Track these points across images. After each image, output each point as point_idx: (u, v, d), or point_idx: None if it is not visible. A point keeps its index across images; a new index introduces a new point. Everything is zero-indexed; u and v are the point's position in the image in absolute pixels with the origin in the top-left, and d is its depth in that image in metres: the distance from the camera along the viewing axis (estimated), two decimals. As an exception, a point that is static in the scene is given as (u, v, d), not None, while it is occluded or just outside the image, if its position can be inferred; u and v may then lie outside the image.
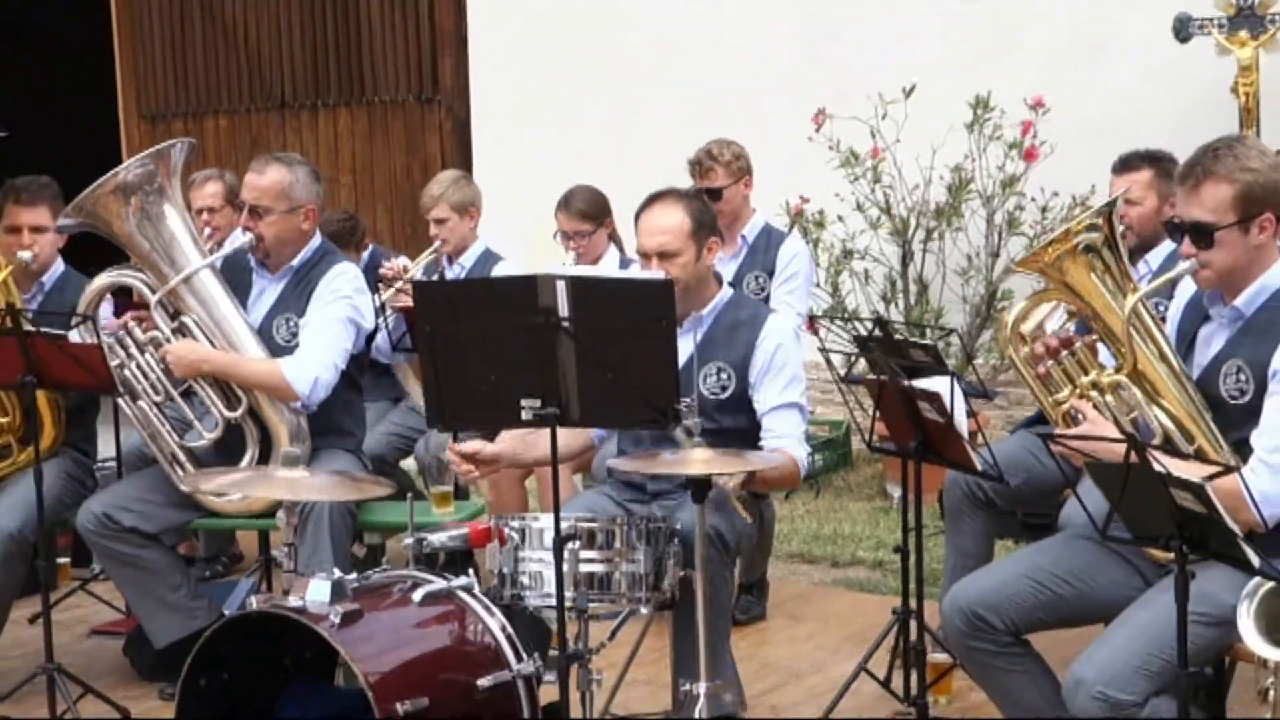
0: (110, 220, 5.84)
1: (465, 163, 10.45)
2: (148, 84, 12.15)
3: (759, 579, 6.90)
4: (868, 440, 5.08)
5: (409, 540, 4.87)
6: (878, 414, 4.72)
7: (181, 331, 5.81)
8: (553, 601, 4.54)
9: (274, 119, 11.61)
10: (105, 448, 6.54)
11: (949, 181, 9.29)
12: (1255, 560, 3.61)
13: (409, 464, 7.32)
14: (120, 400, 5.96)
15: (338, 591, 4.40)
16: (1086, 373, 4.55)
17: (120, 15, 12.12)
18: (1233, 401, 4.27)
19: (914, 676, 5.04)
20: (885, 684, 5.73)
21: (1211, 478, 3.67)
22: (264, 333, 5.90)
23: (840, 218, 9.43)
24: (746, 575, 6.67)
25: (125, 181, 5.81)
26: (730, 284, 5.96)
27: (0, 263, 6.06)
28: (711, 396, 5.13)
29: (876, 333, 5.59)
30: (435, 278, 7.40)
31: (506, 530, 4.74)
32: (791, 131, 9.04)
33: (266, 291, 6.03)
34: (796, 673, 6.23)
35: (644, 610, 4.86)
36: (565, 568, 4.52)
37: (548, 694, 4.62)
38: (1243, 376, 4.24)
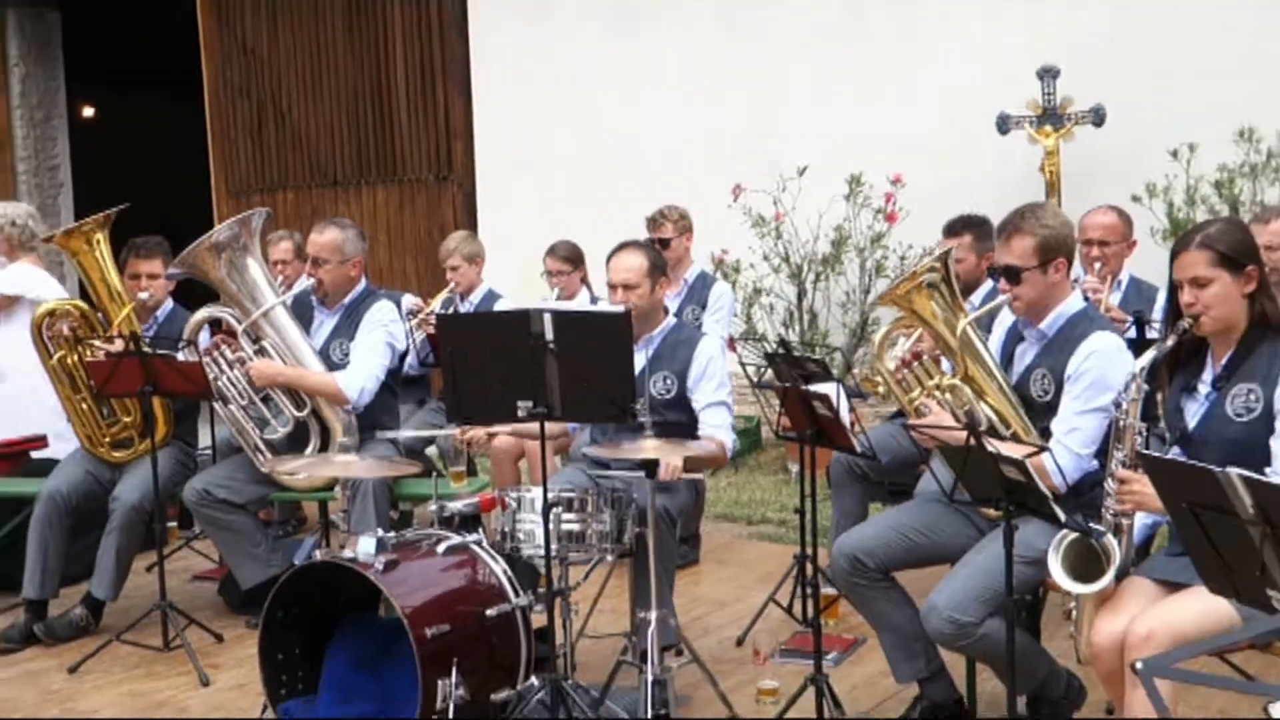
0: (207, 269, 5.82)
1: (471, 225, 10.45)
2: (233, 168, 12.11)
3: (693, 534, 6.91)
4: (775, 430, 5.09)
5: (433, 507, 4.87)
6: (782, 410, 4.74)
7: (261, 352, 5.80)
8: (541, 552, 4.57)
9: (328, 194, 11.58)
10: (204, 439, 6.52)
11: (832, 238, 9.30)
12: (1061, 515, 3.65)
13: (432, 451, 7.31)
14: (215, 404, 5.95)
15: (380, 546, 4.40)
16: (932, 378, 4.58)
17: (212, 116, 12.09)
18: (1040, 400, 4.30)
19: (809, 605, 5.05)
20: (788, 610, 5.80)
21: (1029, 455, 3.71)
22: (323, 353, 5.89)
23: (751, 265, 9.43)
24: (684, 531, 6.67)
25: (217, 241, 5.79)
26: (675, 315, 6.00)
27: (125, 301, 6.08)
28: (660, 397, 5.13)
29: (780, 351, 5.65)
30: (451, 311, 7.41)
31: (506, 499, 4.74)
32: (716, 201, 9.04)
33: (325, 323, 6.02)
34: (722, 603, 6.23)
35: (609, 558, 4.88)
36: (550, 527, 4.53)
37: (538, 620, 4.62)
38: (1047, 381, 4.28)
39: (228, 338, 5.88)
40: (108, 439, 6.14)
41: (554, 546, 4.56)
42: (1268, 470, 3.62)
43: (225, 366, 5.81)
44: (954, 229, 6.20)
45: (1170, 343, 3.80)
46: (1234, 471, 2.78)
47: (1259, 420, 3.69)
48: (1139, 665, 1.63)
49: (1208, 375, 3.85)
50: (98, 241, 6.16)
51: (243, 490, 5.86)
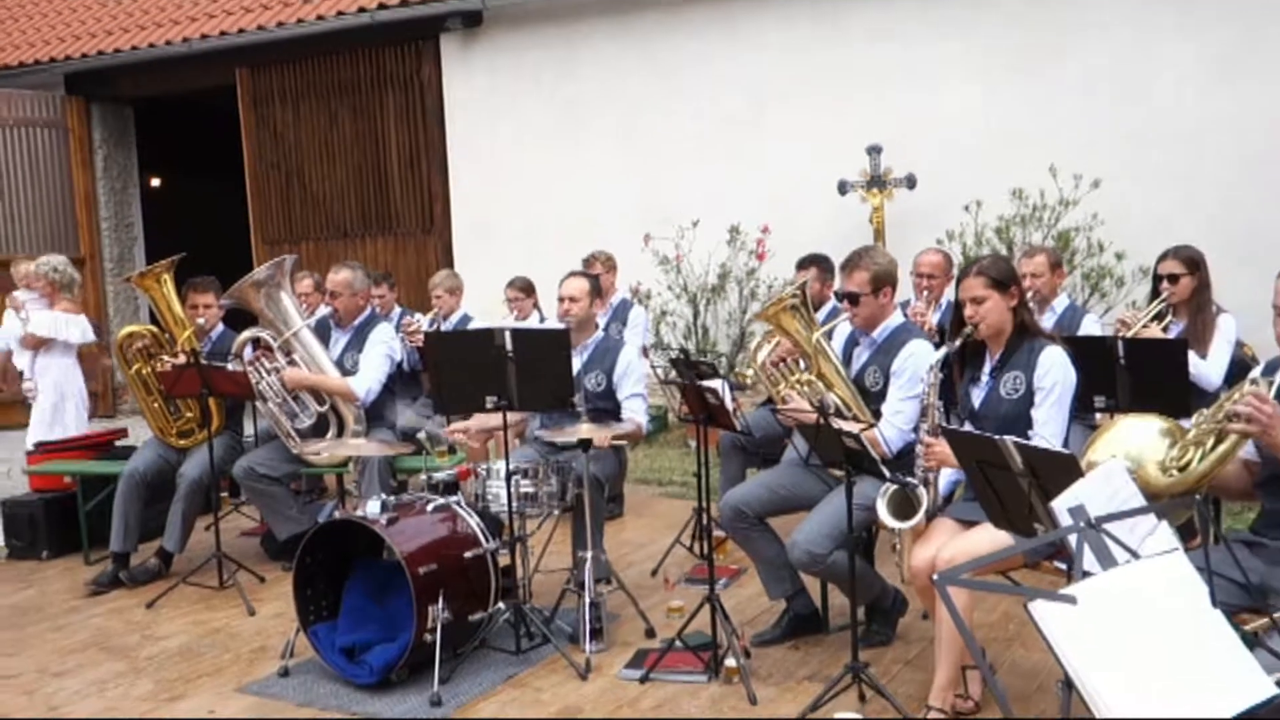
0: (250, 300, 5.77)
1: (449, 265, 10.37)
2: (266, 223, 11.97)
3: (619, 494, 6.91)
4: (678, 415, 5.12)
5: (424, 477, 4.86)
6: (682, 400, 4.77)
7: (292, 363, 5.76)
8: (505, 508, 4.58)
9: (340, 243, 11.47)
10: (248, 429, 6.45)
11: (718, 273, 9.34)
12: (886, 473, 3.72)
13: (423, 435, 7.26)
14: (257, 402, 5.89)
15: (384, 507, 4.39)
16: (793, 374, 4.64)
17: (251, 184, 11.95)
18: (873, 389, 4.36)
19: (705, 544, 5.07)
20: (689, 548, 5.83)
21: (863, 430, 3.78)
22: (339, 363, 5.84)
23: (659, 293, 9.46)
24: (611, 492, 6.69)
25: (257, 279, 5.75)
26: (603, 331, 6.00)
27: (186, 325, 6.02)
28: (593, 391, 5.15)
29: (681, 357, 5.68)
30: (435, 329, 7.38)
31: (478, 470, 4.74)
32: (632, 247, 9.08)
33: (340, 340, 5.96)
34: (641, 545, 6.24)
35: (556, 513, 4.90)
36: (511, 490, 4.56)
37: (504, 560, 4.64)
38: (877, 375, 4.34)
39: (266, 352, 5.83)
40: (174, 430, 6.06)
41: (514, 505, 4.58)
42: (1031, 434, 3.72)
43: (264, 374, 5.75)
44: (804, 263, 6.26)
45: (957, 344, 3.89)
46: (1009, 439, 2.86)
47: (1023, 398, 3.79)
48: (935, 577, 1.68)
49: (987, 367, 3.94)
50: (164, 280, 6.11)
51: (278, 467, 5.81)
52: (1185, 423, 3.27)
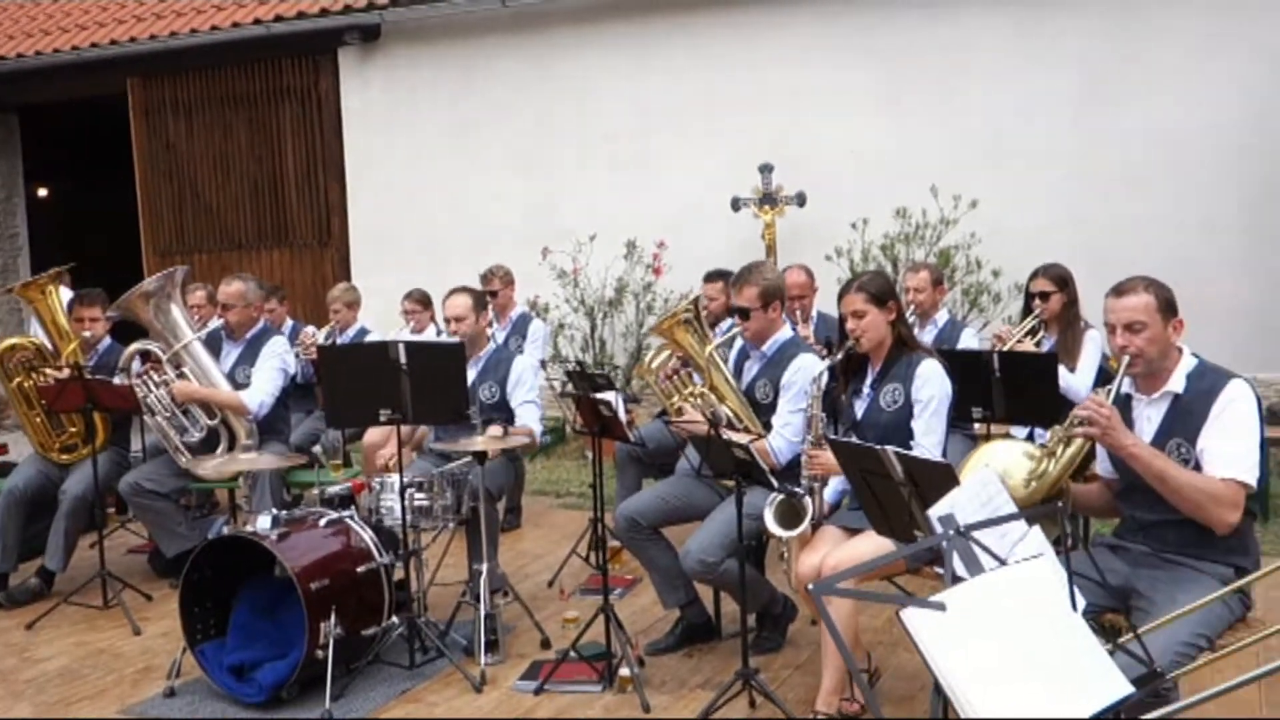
0: (138, 313, 5.57)
1: (346, 278, 10.18)
2: (159, 234, 11.60)
3: (516, 505, 6.85)
4: (574, 427, 5.10)
5: (316, 491, 4.75)
6: (578, 412, 4.76)
7: (181, 376, 5.58)
8: (399, 522, 4.51)
9: (234, 255, 11.18)
10: (136, 444, 6.24)
11: (615, 287, 9.34)
12: (774, 483, 3.76)
13: (317, 448, 7.12)
14: (145, 416, 5.70)
15: (275, 522, 4.29)
16: (686, 387, 4.66)
17: (142, 195, 11.58)
18: (763, 402, 4.39)
19: (600, 555, 5.06)
20: (585, 559, 5.81)
21: (752, 441, 3.80)
22: (231, 376, 5.68)
23: (557, 307, 9.42)
24: (509, 503, 6.65)
25: (146, 290, 5.55)
26: (503, 345, 5.96)
27: (72, 338, 5.81)
28: (487, 402, 5.09)
29: (577, 369, 5.67)
30: (331, 342, 7.25)
31: (372, 484, 4.66)
32: (530, 261, 9.05)
33: (232, 353, 5.80)
34: (538, 555, 6.19)
35: (451, 525, 4.83)
36: (405, 503, 4.49)
37: (399, 574, 4.56)
38: (768, 388, 4.37)
39: (155, 365, 5.63)
40: (57, 445, 5.83)
41: (409, 518, 4.50)
42: (912, 445, 3.79)
43: (153, 387, 5.55)
44: (711, 277, 6.31)
45: (840, 356, 3.95)
46: (890, 448, 2.91)
47: (902, 409, 3.85)
48: (810, 587, 1.69)
49: (868, 380, 4.00)
50: (49, 292, 5.90)
51: (166, 482, 5.62)
52: (1045, 436, 3.39)
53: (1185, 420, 3.10)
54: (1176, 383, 3.14)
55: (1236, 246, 7.90)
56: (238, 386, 5.64)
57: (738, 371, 4.58)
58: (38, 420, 5.81)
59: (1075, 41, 8.24)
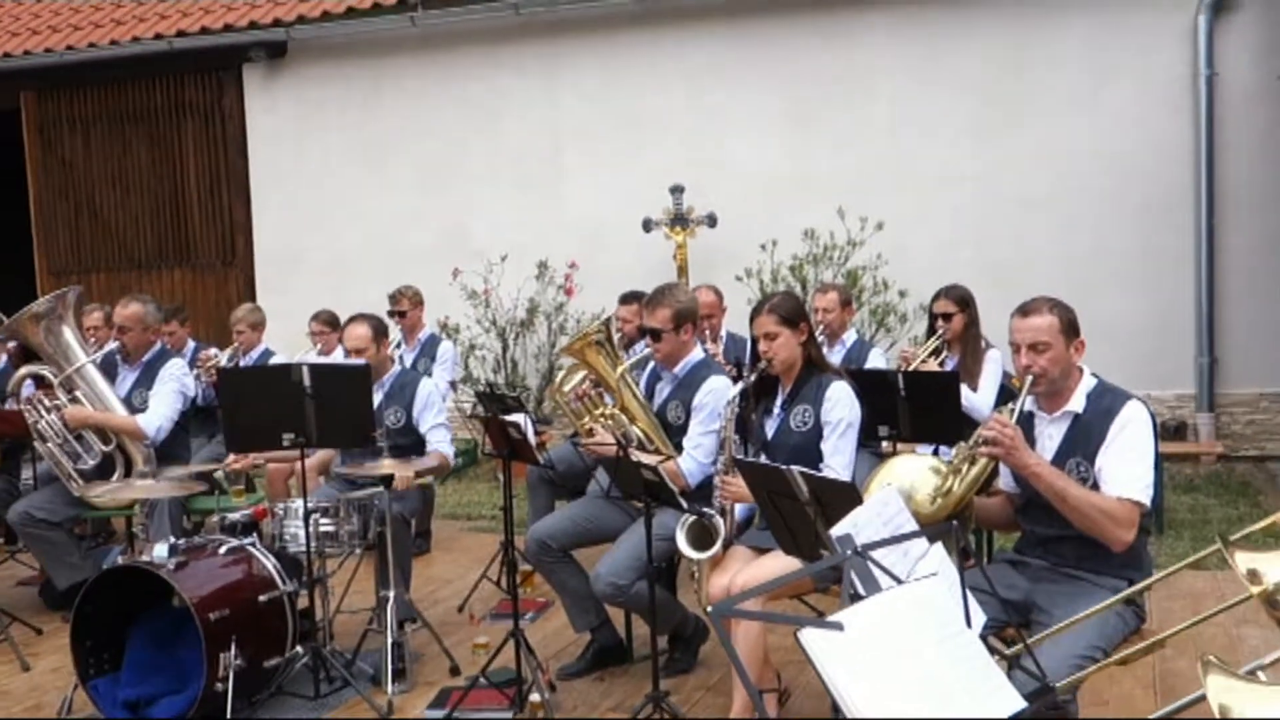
0: (28, 335, 5.42)
1: (252, 299, 9.98)
2: (54, 252, 11.26)
3: (426, 529, 6.75)
4: (483, 450, 5.05)
5: (217, 518, 4.63)
6: (487, 434, 4.71)
7: (74, 400, 5.41)
8: (304, 549, 4.41)
9: (134, 275, 10.88)
10: (27, 471, 6.02)
11: (527, 306, 9.32)
12: (684, 505, 3.76)
13: (219, 473, 6.94)
14: (36, 443, 5.50)
15: (172, 550, 4.16)
16: (597, 408, 4.65)
17: (36, 213, 11.23)
18: (675, 424, 4.38)
19: (511, 578, 5.01)
20: (496, 583, 5.74)
21: (661, 462, 3.81)
22: (127, 401, 5.52)
23: (468, 327, 9.35)
24: (419, 527, 6.54)
25: (37, 312, 5.41)
26: (411, 367, 5.86)
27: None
28: (393, 427, 5.01)
29: (487, 391, 5.62)
30: (234, 364, 7.10)
31: (277, 509, 4.55)
32: (440, 281, 8.99)
33: (128, 376, 5.63)
34: (448, 580, 6.10)
35: (358, 551, 4.74)
36: (310, 529, 4.39)
37: (302, 603, 4.45)
38: (679, 409, 4.37)
39: (46, 390, 5.45)
40: (-59, 474, 5.59)
41: (313, 544, 4.40)
42: (822, 466, 3.83)
43: (44, 412, 5.38)
44: (626, 299, 6.30)
45: (753, 378, 3.98)
46: (795, 469, 2.93)
47: (812, 430, 3.89)
48: (709, 609, 1.69)
49: (779, 400, 4.03)
50: (-67, 314, 5.66)
51: (58, 511, 5.42)
52: (950, 453, 3.44)
53: (1085, 439, 3.17)
54: (1077, 402, 3.21)
55: (1128, 267, 8.19)
56: (134, 411, 5.48)
57: (650, 393, 4.57)
58: (-80, 448, 5.58)
59: (975, 67, 8.48)
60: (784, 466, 2.94)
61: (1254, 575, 2.16)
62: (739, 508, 4.03)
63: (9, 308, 5.85)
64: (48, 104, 11.13)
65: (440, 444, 5.06)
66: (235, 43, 10.14)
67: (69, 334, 5.47)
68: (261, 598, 4.22)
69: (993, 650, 1.94)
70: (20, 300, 6.33)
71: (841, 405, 3.87)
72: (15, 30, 11.19)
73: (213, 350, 7.26)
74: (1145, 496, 3.07)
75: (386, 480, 4.48)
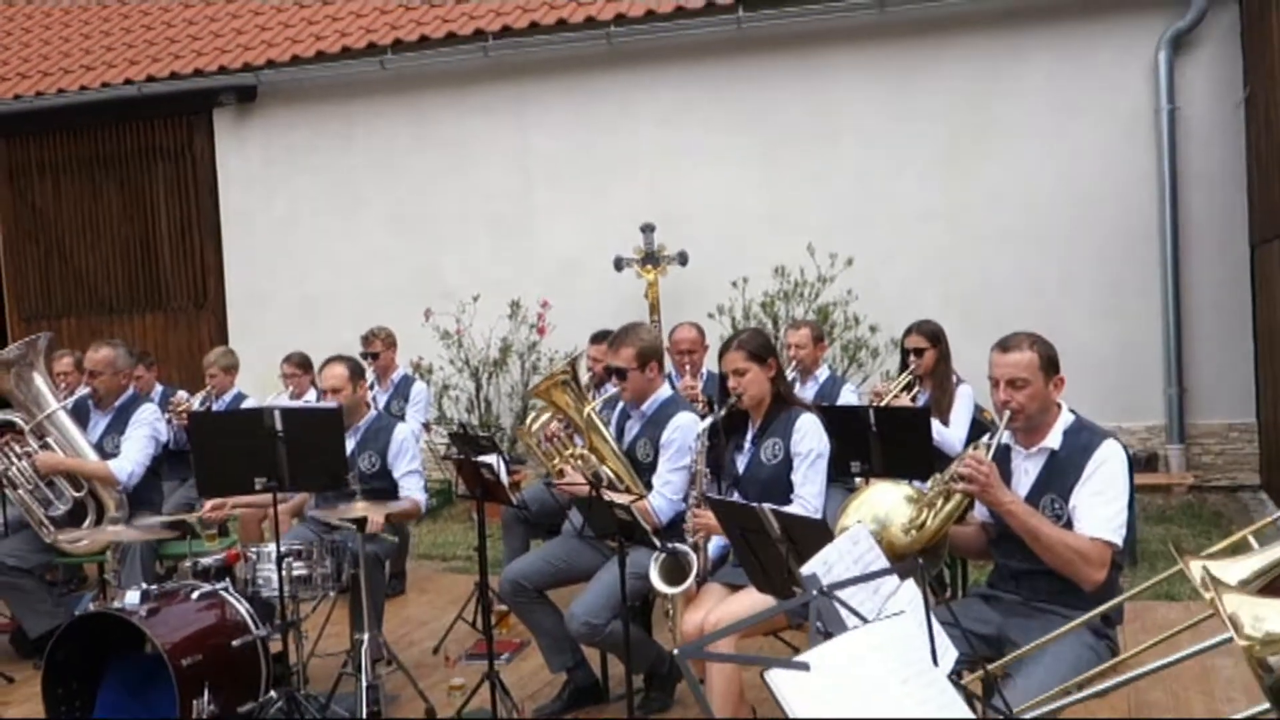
0: (-2, 382, 5.41)
1: (224, 342, 9.96)
2: (24, 297, 11.20)
3: (401, 570, 6.72)
4: (458, 491, 5.04)
5: (190, 563, 4.60)
6: (459, 475, 4.71)
7: (45, 447, 5.38)
8: (277, 593, 4.39)
9: (105, 320, 10.83)
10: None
11: (500, 346, 9.32)
12: (656, 542, 3.78)
13: (192, 517, 6.88)
14: (6, 490, 5.46)
15: (145, 596, 4.15)
16: (567, 449, 4.66)
17: (6, 259, 11.20)
18: (644, 461, 4.41)
19: (486, 619, 4.99)
20: (472, 624, 5.69)
21: (633, 501, 3.82)
22: (99, 446, 5.49)
23: (441, 368, 9.35)
24: (394, 569, 6.51)
25: (7, 358, 5.41)
26: (384, 408, 5.82)
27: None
28: (367, 471, 5.00)
29: (460, 431, 5.61)
30: (207, 408, 7.07)
31: (249, 553, 4.52)
32: (413, 322, 8.99)
33: (100, 422, 5.61)
34: (423, 621, 6.07)
35: (332, 594, 4.71)
36: (283, 573, 4.36)
37: (276, 647, 4.42)
38: (648, 447, 4.39)
39: (17, 436, 5.42)
40: (-90, 522, 5.53)
41: (286, 588, 4.38)
42: (793, 497, 3.85)
43: (14, 459, 5.35)
44: (597, 338, 6.30)
45: (722, 413, 4.01)
46: (766, 506, 2.95)
47: (782, 463, 3.93)
48: (675, 651, 1.70)
49: (749, 435, 4.07)
50: (-101, 362, 5.60)
51: (29, 558, 5.38)
52: (925, 486, 3.47)
53: (1060, 477, 3.19)
54: (1054, 439, 3.24)
55: (1093, 299, 8.30)
56: (106, 456, 5.45)
57: (620, 432, 4.59)
58: (-115, 498, 5.52)
59: (939, 103, 8.60)
60: (755, 505, 2.96)
61: (1218, 584, 2.13)
62: (713, 545, 4.05)
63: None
64: (17, 149, 11.11)
65: (413, 490, 5.04)
66: (205, 87, 10.18)
67: (39, 380, 5.45)
68: (234, 643, 4.19)
69: (963, 688, 1.96)
70: (-9, 346, 6.31)
71: (810, 436, 3.91)
72: (-16, 76, 11.18)
73: (182, 394, 7.23)
74: (1118, 537, 3.09)
75: (360, 522, 4.46)
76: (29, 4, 12.58)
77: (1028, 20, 8.44)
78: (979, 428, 5.26)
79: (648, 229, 8.79)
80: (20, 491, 5.34)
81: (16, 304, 11.21)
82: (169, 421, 6.35)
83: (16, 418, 5.43)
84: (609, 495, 3.80)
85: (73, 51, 11.23)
